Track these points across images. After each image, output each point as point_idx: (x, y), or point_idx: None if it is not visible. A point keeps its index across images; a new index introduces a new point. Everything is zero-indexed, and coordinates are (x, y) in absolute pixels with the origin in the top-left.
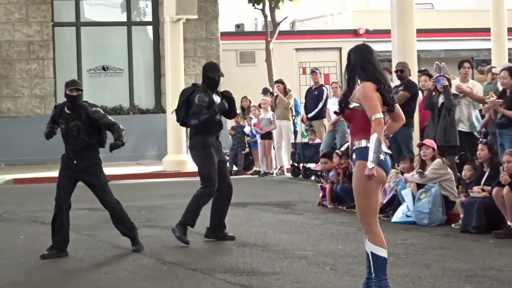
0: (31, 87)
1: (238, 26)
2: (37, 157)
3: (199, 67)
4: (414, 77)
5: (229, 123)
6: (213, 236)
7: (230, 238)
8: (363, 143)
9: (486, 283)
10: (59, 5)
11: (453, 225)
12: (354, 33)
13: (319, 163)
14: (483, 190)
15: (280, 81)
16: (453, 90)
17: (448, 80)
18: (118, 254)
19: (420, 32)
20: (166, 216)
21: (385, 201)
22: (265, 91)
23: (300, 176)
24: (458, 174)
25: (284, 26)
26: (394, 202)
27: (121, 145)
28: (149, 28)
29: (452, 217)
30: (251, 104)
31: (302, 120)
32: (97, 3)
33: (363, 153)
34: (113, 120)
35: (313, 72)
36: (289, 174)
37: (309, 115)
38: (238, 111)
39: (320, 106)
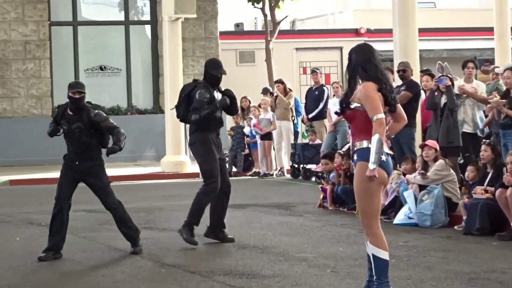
0: (28, 87)
1: (237, 25)
2: (33, 158)
3: (198, 67)
4: (416, 77)
5: (228, 124)
6: (213, 236)
7: (230, 240)
8: (365, 144)
9: (490, 285)
10: (56, 4)
11: (455, 227)
12: (355, 32)
13: (320, 164)
14: (486, 191)
15: (280, 81)
16: (455, 91)
17: (451, 80)
18: (115, 256)
19: (422, 31)
20: (165, 218)
21: (386, 203)
22: (265, 91)
23: (300, 177)
24: (461, 175)
25: (284, 25)
26: (396, 203)
27: (118, 150)
28: (147, 27)
29: (454, 219)
30: (251, 105)
31: (302, 121)
32: (95, 2)
33: (364, 154)
34: (115, 124)
35: (313, 72)
36: (289, 175)
37: (310, 116)
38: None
39: (320, 106)
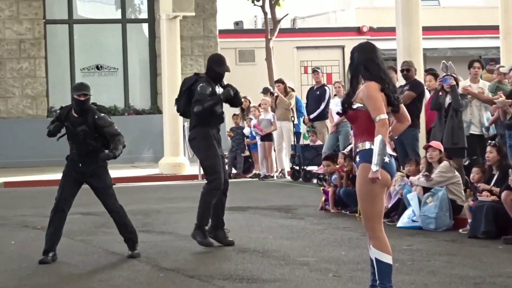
0: (22, 86)
1: (237, 23)
2: (29, 159)
3: (196, 66)
4: (420, 76)
5: (228, 125)
6: (212, 236)
7: (229, 242)
8: (367, 145)
9: None
10: (51, 1)
11: (460, 230)
12: (358, 30)
13: (321, 165)
14: (491, 193)
15: (280, 81)
16: (460, 91)
17: (456, 79)
18: (112, 260)
19: (426, 29)
20: (163, 221)
21: (390, 205)
22: (265, 91)
23: (300, 179)
24: (466, 177)
25: (285, 24)
26: (400, 206)
27: (111, 157)
28: (145, 26)
29: (459, 222)
30: (251, 105)
31: (303, 121)
32: None
33: (367, 156)
34: (118, 131)
35: (314, 71)
36: (290, 177)
37: (311, 116)
38: (238, 112)
39: (322, 106)
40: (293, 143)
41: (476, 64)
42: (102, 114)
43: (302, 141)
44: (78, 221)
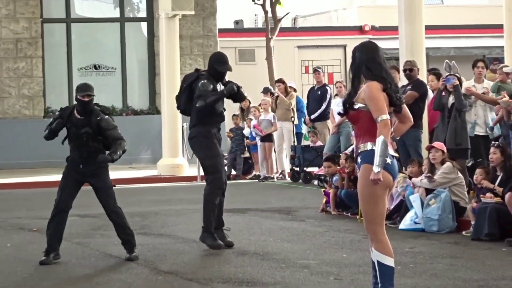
0: (19, 86)
1: (237, 22)
2: (24, 161)
3: (195, 65)
4: (423, 76)
5: (227, 125)
6: None
7: (228, 243)
8: (369, 146)
9: None
10: (48, 0)
11: (463, 233)
12: (360, 29)
13: (322, 167)
14: (495, 194)
15: (281, 81)
16: (463, 91)
17: (459, 79)
18: (110, 263)
19: (429, 28)
20: (161, 223)
21: (392, 207)
22: (266, 91)
23: (300, 181)
24: (469, 178)
25: (286, 23)
26: (402, 208)
27: (109, 161)
28: (143, 25)
29: (462, 224)
30: (251, 105)
31: (304, 122)
32: None
33: (368, 157)
34: (121, 135)
35: (316, 71)
36: (290, 179)
37: (312, 117)
38: (237, 112)
39: (323, 107)
40: (293, 144)
41: (480, 64)
42: (106, 116)
43: (303, 142)
44: (75, 224)
